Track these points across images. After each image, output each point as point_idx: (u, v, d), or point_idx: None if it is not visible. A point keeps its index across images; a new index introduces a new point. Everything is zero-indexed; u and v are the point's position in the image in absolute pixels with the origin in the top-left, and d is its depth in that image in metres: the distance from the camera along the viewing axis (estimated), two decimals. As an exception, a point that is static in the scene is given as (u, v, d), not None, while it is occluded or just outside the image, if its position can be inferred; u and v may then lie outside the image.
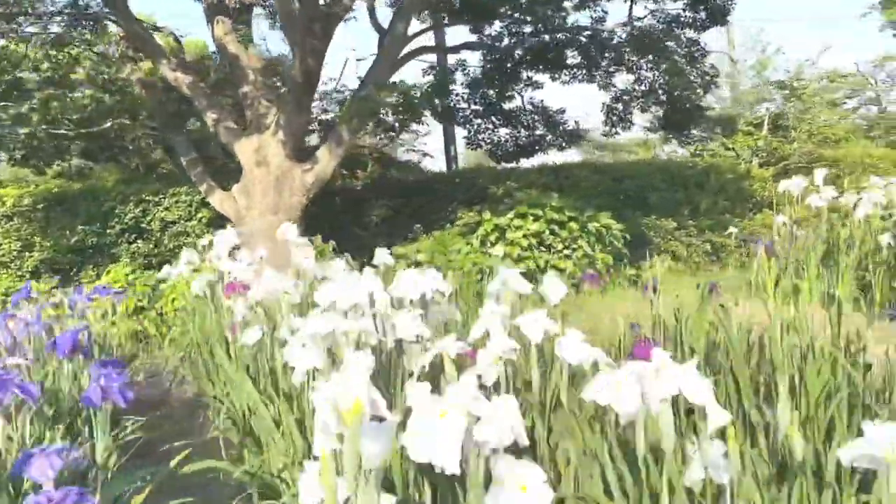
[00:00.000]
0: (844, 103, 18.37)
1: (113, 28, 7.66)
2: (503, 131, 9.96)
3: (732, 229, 6.69)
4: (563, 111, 9.86)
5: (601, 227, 6.78)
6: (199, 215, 8.14)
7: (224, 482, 2.38)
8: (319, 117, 10.27)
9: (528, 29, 9.11)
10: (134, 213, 8.05)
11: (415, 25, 8.76)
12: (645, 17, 8.84)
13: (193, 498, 2.10)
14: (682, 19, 8.61)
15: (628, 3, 8.83)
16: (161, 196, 8.17)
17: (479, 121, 9.88)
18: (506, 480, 1.05)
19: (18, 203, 8.03)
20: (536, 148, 9.91)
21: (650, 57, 8.63)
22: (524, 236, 6.56)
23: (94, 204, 8.03)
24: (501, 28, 9.31)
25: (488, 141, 9.97)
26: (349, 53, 17.92)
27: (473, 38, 9.52)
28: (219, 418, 2.61)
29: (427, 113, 8.61)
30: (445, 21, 9.31)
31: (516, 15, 8.69)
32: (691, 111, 9.06)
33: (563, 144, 9.90)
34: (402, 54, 7.67)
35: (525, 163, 10.11)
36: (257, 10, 8.95)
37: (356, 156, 10.05)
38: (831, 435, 1.87)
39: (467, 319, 2.64)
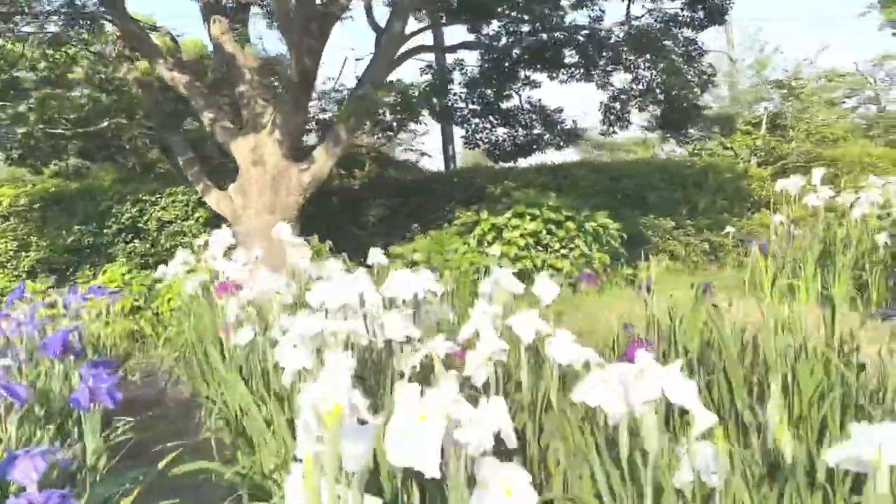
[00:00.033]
0: (843, 102, 18.38)
1: (110, 27, 7.64)
2: (501, 131, 9.96)
3: (730, 229, 6.68)
4: (560, 110, 9.86)
5: (598, 227, 6.77)
6: (196, 215, 8.13)
7: (216, 483, 2.37)
8: (318, 117, 10.26)
9: (525, 28, 9.10)
10: (131, 212, 8.04)
11: (413, 25, 8.77)
12: (643, 16, 8.83)
13: (184, 499, 2.09)
14: (680, 18, 8.60)
15: (626, 2, 8.83)
16: (158, 196, 8.16)
17: (476, 120, 9.87)
18: (490, 483, 1.04)
19: (15, 203, 8.01)
20: (534, 147, 9.90)
21: (648, 56, 8.62)
22: (521, 236, 6.55)
23: (90, 203, 8.02)
24: (499, 27, 9.30)
25: (486, 140, 9.96)
26: (348, 53, 17.94)
27: (471, 37, 9.51)
28: (210, 419, 2.59)
29: (425, 112, 8.60)
30: (443, 20, 9.30)
31: (514, 14, 8.67)
32: (688, 110, 9.05)
33: (561, 144, 9.89)
34: (399, 53, 7.66)
35: (523, 162, 10.11)
36: (255, 10, 8.94)
37: (354, 155, 10.04)
38: (825, 435, 1.86)
39: (462, 319, 2.63)
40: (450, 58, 10.36)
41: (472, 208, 7.46)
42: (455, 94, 9.74)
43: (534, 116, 9.79)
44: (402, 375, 1.91)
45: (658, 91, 8.89)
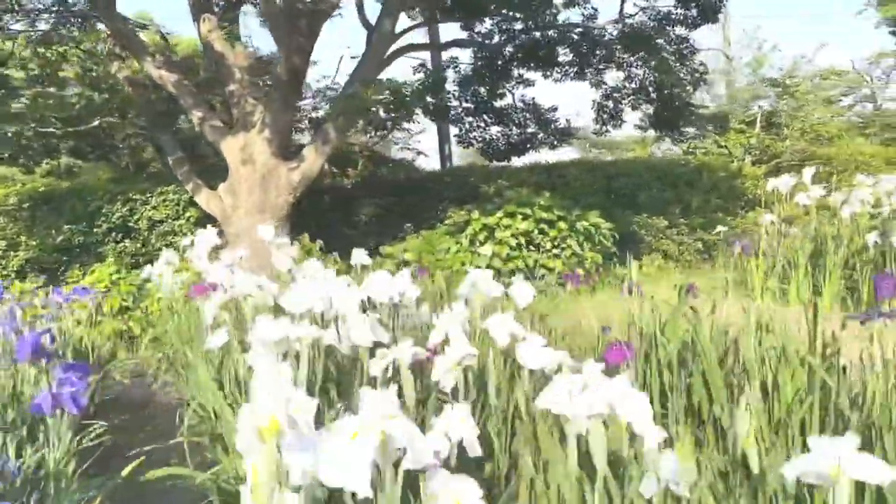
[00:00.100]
0: (840, 101, 18.36)
1: (101, 26, 7.59)
2: (494, 129, 9.92)
3: (721, 228, 6.65)
4: (554, 109, 9.82)
5: (590, 226, 6.74)
6: (188, 214, 8.09)
7: (188, 488, 2.33)
8: (310, 115, 10.21)
9: (518, 26, 9.06)
10: (121, 212, 7.99)
11: (405, 22, 8.72)
12: (636, 14, 8.79)
13: (151, 506, 2.06)
14: (674, 16, 8.56)
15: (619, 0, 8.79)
16: (149, 195, 8.11)
17: (470, 119, 9.83)
18: (440, 496, 1.00)
19: (4, 202, 7.97)
20: (528, 146, 9.86)
21: (640, 54, 8.58)
22: (513, 236, 6.52)
23: (80, 203, 7.97)
24: (492, 25, 9.25)
25: (480, 139, 9.91)
26: (344, 51, 17.87)
27: (464, 35, 9.46)
28: (184, 424, 2.56)
29: (419, 111, 8.56)
30: (438, 18, 9.24)
31: (507, 12, 8.62)
32: (681, 109, 9.00)
33: (555, 143, 9.84)
34: (390, 52, 7.61)
35: (518, 161, 10.07)
36: (247, 8, 8.89)
37: (347, 154, 10.00)
38: (806, 440, 1.83)
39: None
40: (443, 56, 10.31)
41: (465, 208, 7.42)
42: (448, 93, 9.70)
43: (527, 115, 9.75)
44: (374, 380, 1.88)
45: (651, 89, 8.85)
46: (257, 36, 27.46)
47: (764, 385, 2.03)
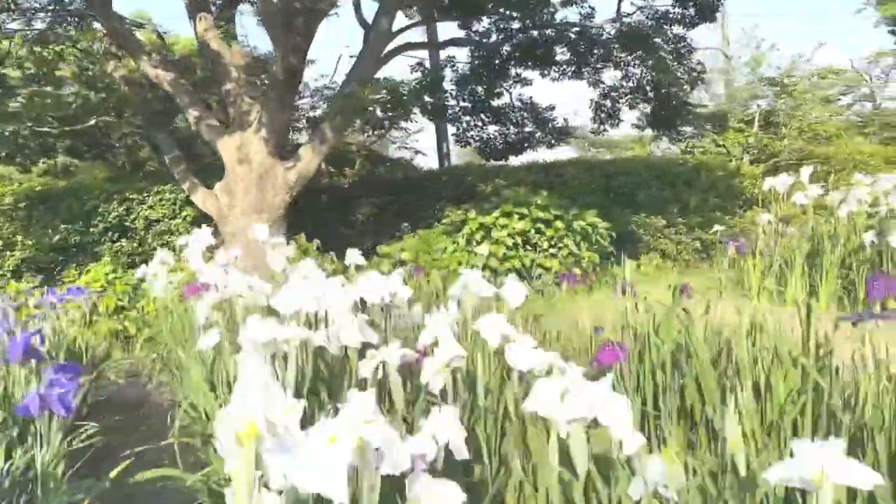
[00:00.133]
0: (838, 100, 18.35)
1: (97, 25, 7.57)
2: (492, 128, 9.91)
3: (718, 227, 6.64)
4: (552, 108, 9.81)
5: (587, 226, 6.72)
6: (184, 214, 8.07)
7: (178, 490, 2.32)
8: (308, 114, 10.20)
9: (516, 25, 9.04)
10: (118, 211, 7.98)
11: (403, 21, 8.70)
12: (633, 13, 8.78)
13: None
14: (671, 15, 8.55)
15: (617, -2, 8.78)
16: (145, 194, 8.10)
17: (467, 118, 9.82)
18: (422, 500, 0.99)
19: (0, 201, 7.94)
20: (526, 145, 9.84)
21: (638, 53, 8.57)
22: (509, 235, 6.50)
23: (77, 202, 7.95)
24: (490, 24, 9.24)
25: (477, 138, 9.90)
26: (342, 50, 17.86)
27: (461, 34, 9.45)
28: (175, 425, 2.54)
29: (416, 110, 8.54)
30: (435, 16, 9.23)
31: (505, 11, 8.61)
32: (678, 108, 9.00)
33: (553, 142, 9.83)
34: (387, 51, 7.59)
35: (516, 160, 10.06)
36: (243, 7, 8.87)
37: (344, 153, 9.98)
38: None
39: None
40: (440, 55, 10.31)
41: (463, 207, 7.41)
42: (446, 92, 9.69)
43: (525, 114, 9.74)
44: (364, 382, 1.87)
45: (648, 88, 8.84)
46: (254, 35, 27.43)
47: (757, 386, 2.02)
